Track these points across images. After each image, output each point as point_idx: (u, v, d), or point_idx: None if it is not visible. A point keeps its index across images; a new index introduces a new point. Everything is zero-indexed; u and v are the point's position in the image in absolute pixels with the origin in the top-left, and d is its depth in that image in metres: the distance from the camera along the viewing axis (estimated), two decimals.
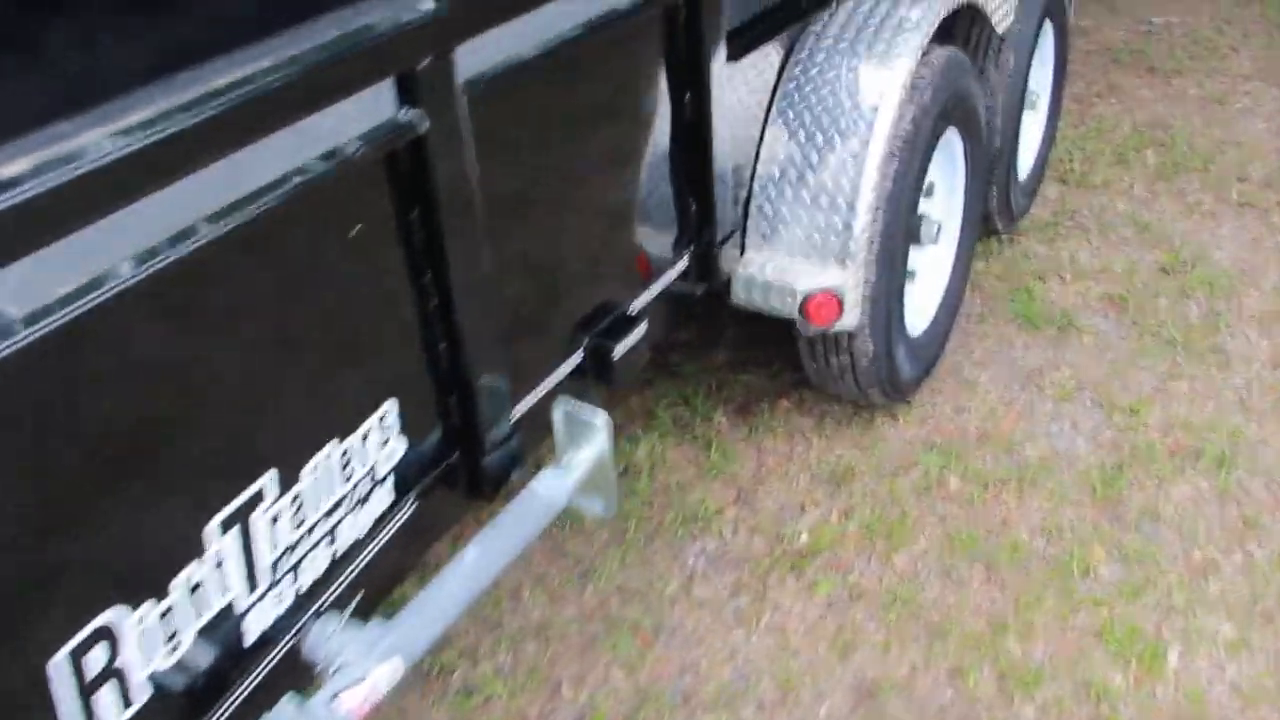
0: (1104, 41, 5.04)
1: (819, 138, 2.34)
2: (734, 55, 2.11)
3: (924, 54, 2.48)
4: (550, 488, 1.78)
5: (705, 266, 2.26)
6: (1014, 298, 3.26)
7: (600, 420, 1.79)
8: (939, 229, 2.71)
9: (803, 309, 2.36)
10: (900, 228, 2.44)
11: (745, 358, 3.05)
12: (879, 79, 2.33)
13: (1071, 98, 4.51)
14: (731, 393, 2.95)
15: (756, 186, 2.39)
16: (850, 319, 2.39)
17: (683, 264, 2.21)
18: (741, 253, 2.42)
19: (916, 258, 2.83)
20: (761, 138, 2.38)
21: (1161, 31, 5.10)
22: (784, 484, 2.65)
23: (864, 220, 2.32)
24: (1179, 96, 4.51)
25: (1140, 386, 2.91)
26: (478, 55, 1.50)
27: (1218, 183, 3.85)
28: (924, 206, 2.79)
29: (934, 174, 2.83)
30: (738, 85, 2.26)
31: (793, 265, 2.38)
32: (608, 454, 1.82)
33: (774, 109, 2.38)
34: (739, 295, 2.42)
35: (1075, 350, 3.06)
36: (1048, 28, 3.49)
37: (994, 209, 3.34)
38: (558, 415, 1.82)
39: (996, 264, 3.44)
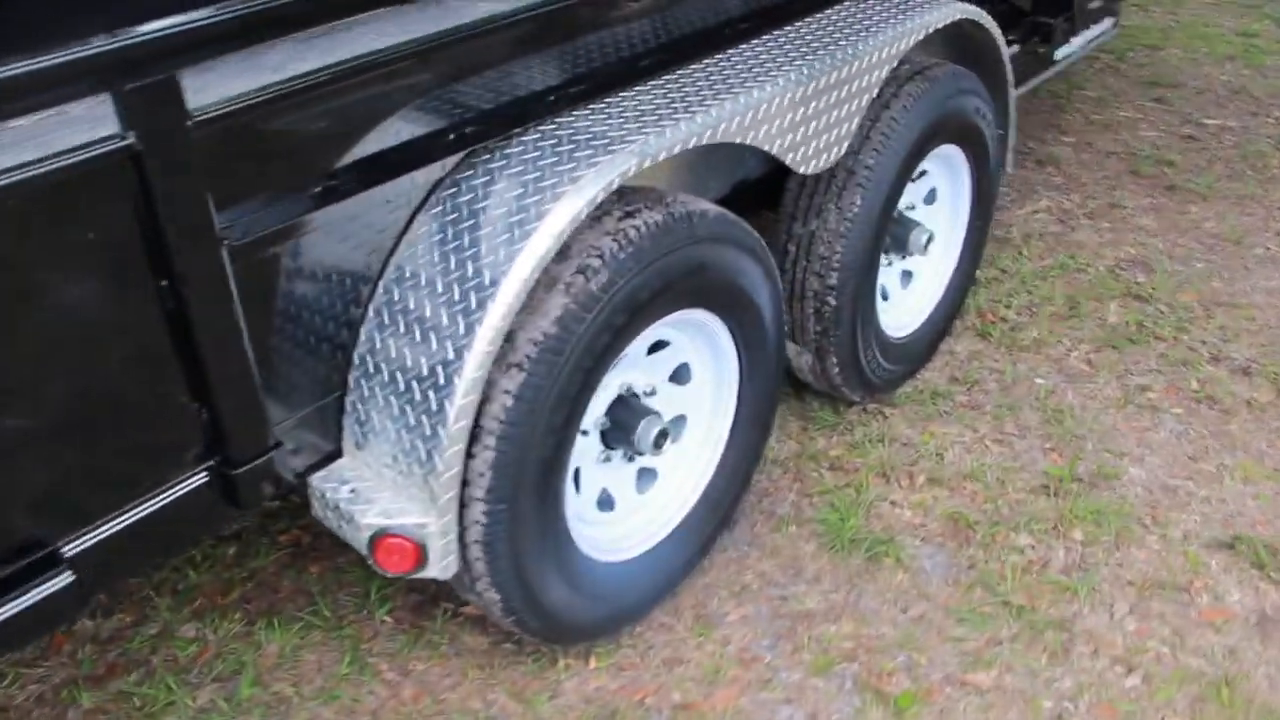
0: (1132, 144, 4.15)
1: (416, 333, 1.74)
2: (238, 240, 1.53)
3: (624, 216, 1.85)
4: None
5: (230, 487, 1.70)
6: (834, 500, 2.57)
7: None
8: (660, 436, 2.06)
9: (371, 549, 1.78)
10: (538, 455, 1.81)
11: None
12: (493, 266, 1.70)
13: (1057, 214, 3.71)
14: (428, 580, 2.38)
15: (352, 379, 1.81)
16: (440, 568, 1.80)
17: (190, 484, 1.66)
18: (338, 457, 1.86)
19: (654, 461, 2.20)
20: (362, 320, 1.80)
21: (1208, 139, 4.18)
22: None
23: (451, 451, 1.71)
24: (1189, 229, 3.63)
25: (931, 669, 2.19)
26: None
27: (1182, 360, 3.02)
28: (662, 401, 2.16)
29: (688, 358, 2.19)
30: (334, 251, 1.70)
31: (377, 489, 1.80)
32: None
33: (380, 287, 1.79)
34: (317, 511, 1.85)
35: (874, 594, 2.35)
36: (955, 154, 2.75)
37: (836, 380, 2.64)
38: None
39: (839, 444, 2.73)
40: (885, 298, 2.84)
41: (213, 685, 2.19)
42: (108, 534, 1.58)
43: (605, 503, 2.16)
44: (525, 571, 1.89)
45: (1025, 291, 3.31)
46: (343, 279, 1.75)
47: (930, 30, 2.38)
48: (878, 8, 2.41)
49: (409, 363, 1.74)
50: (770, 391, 2.32)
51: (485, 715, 2.10)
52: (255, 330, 1.63)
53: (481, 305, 1.68)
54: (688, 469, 2.26)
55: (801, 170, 2.18)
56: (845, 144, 2.28)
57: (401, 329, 1.75)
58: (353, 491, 1.81)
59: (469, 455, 1.75)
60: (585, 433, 2.00)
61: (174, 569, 2.47)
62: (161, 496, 1.63)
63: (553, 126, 1.87)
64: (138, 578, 2.41)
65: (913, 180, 2.67)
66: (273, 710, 2.13)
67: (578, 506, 2.05)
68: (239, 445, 1.67)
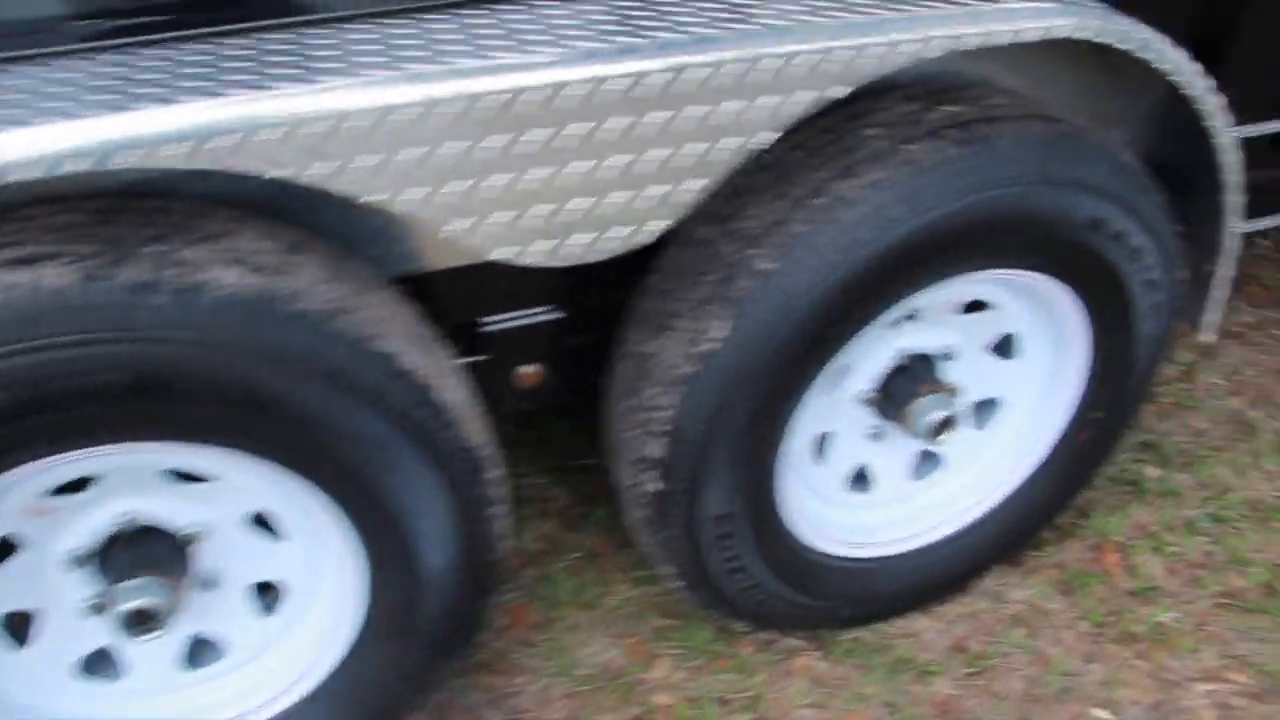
0: None
1: None
2: None
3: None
4: None
5: None
6: None
7: None
8: None
9: None
10: None
11: None
12: None
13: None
14: None
15: None
16: None
17: None
18: None
19: None
20: None
21: None
22: None
23: None
24: None
25: None
26: None
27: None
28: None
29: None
30: None
31: None
32: None
33: None
34: None
35: None
36: (1050, 290, 1.46)
37: (687, 598, 1.56)
38: None
39: (673, 686, 1.66)
40: (863, 484, 1.66)
41: None
42: None
43: None
44: None
45: (1215, 534, 1.89)
46: None
47: (910, 51, 1.13)
48: None
49: None
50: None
51: None
52: None
53: None
54: None
55: (494, 256, 1.12)
56: (659, 222, 1.17)
57: None
58: None
59: None
60: None
61: None
62: None
63: None
64: None
65: (905, 316, 1.45)
66: None
67: None
68: None
